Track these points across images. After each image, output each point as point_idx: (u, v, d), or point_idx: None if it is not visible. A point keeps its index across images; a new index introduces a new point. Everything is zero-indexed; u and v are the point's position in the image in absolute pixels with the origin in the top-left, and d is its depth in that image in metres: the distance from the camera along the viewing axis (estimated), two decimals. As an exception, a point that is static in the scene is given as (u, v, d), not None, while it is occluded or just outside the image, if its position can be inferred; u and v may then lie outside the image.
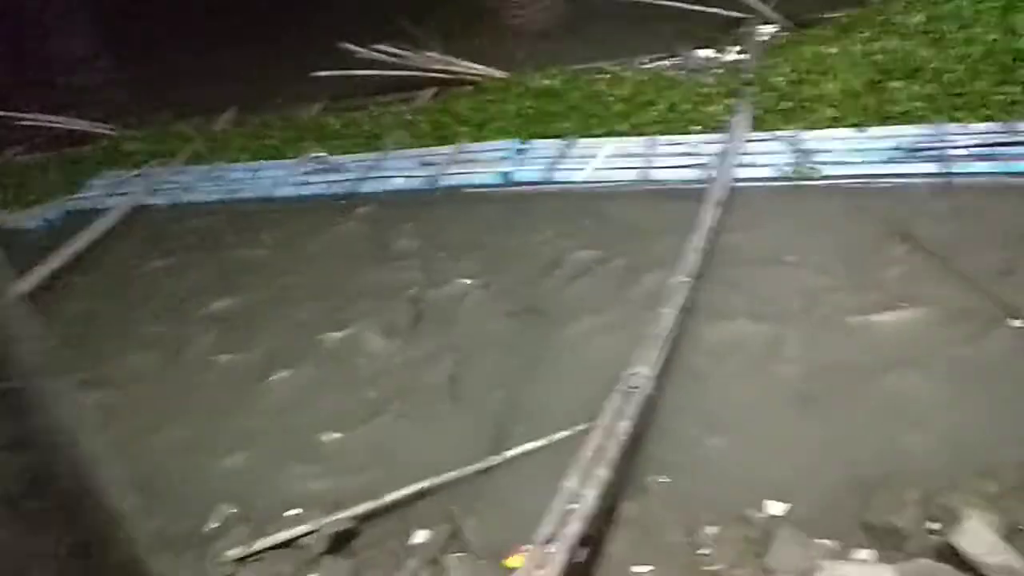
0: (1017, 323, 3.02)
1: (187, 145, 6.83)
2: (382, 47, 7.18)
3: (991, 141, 4.11)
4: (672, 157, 4.83)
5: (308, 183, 5.73)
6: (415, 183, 5.36)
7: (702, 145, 4.84)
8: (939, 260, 3.43)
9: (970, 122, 4.33)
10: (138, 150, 6.99)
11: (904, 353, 3.05)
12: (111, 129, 7.73)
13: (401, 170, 5.56)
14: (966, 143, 4.15)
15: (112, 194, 6.27)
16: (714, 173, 4.43)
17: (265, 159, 6.30)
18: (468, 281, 4.19)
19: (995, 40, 4.72)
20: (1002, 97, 4.38)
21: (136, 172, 6.57)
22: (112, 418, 3.58)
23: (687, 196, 4.30)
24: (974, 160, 4.04)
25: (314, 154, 6.00)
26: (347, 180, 5.57)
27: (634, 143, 5.10)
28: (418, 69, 7.19)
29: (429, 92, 7.11)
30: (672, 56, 6.49)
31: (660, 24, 7.12)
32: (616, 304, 3.74)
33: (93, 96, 9.09)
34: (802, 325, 3.33)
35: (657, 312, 3.35)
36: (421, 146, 5.89)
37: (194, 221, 5.62)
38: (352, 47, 7.06)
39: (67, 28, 12.69)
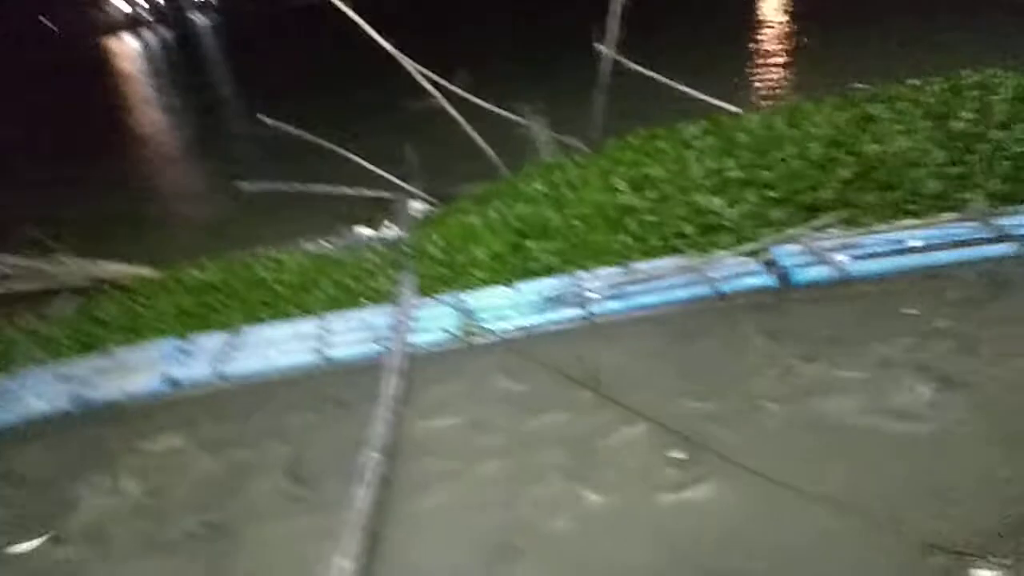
0: (677, 454, 3.33)
1: None
2: (-1, 256, 6.34)
3: (618, 283, 4.76)
4: (346, 334, 4.82)
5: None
6: (54, 404, 4.61)
7: (373, 318, 4.91)
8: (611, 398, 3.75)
9: (596, 269, 4.98)
10: None
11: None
12: None
13: (34, 390, 4.77)
14: (598, 287, 4.75)
15: None
16: (389, 344, 4.49)
17: None
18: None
19: (601, 199, 5.58)
20: (618, 246, 5.13)
21: None
22: None
23: (367, 370, 4.28)
24: (608, 300, 4.62)
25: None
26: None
27: (306, 325, 5.02)
28: (49, 277, 6.44)
29: (67, 300, 6.35)
30: (331, 237, 6.66)
31: (316, 208, 7.33)
32: (308, 497, 3.47)
33: None
34: (503, 483, 3.37)
35: (352, 493, 3.17)
36: (59, 360, 5.15)
37: None
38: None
39: None
